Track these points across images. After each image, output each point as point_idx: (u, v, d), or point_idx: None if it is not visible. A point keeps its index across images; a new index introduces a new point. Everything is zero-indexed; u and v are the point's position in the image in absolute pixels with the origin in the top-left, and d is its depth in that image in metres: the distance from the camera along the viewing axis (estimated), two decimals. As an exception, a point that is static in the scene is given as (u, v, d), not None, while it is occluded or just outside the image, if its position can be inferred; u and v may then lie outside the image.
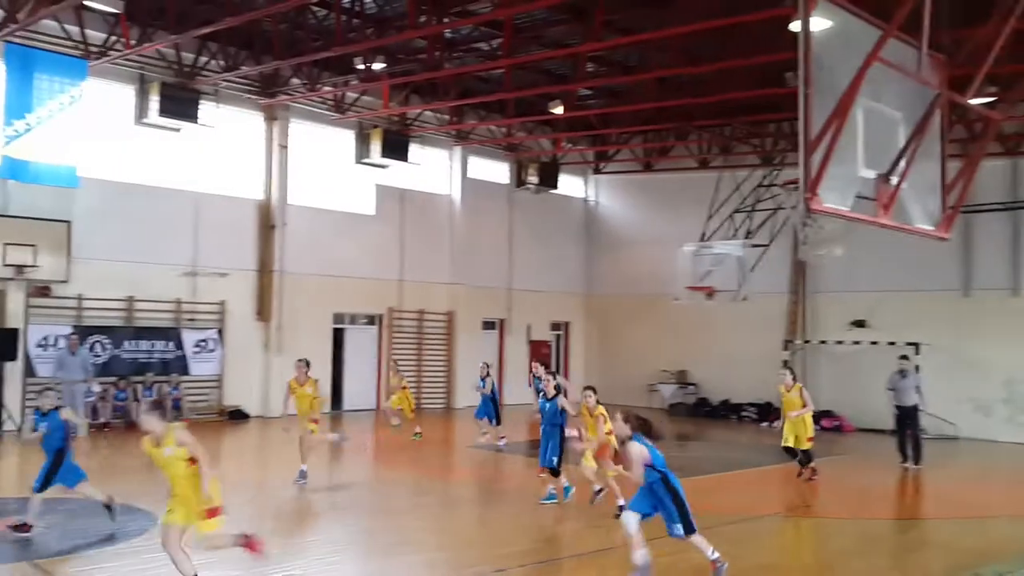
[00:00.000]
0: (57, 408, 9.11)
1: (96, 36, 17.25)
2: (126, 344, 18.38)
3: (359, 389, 22.35)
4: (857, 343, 21.57)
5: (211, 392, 19.74)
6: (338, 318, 22.31)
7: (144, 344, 18.63)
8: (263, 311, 20.60)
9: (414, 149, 22.88)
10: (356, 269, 22.09)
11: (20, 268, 16.54)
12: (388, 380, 17.79)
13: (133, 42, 16.85)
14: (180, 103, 18.30)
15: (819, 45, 6.64)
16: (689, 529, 7.37)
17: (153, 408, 7.02)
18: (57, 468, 9.01)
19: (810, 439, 13.18)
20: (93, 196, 17.49)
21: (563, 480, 10.94)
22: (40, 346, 17.10)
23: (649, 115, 21.91)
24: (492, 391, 16.43)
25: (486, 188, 25.35)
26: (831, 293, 22.53)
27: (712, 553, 7.41)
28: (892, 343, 19.96)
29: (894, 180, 7.52)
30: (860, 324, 21.79)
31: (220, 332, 19.77)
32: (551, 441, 10.79)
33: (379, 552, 9.06)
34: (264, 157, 20.82)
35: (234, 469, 13.64)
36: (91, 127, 17.31)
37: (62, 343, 16.89)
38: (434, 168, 24.34)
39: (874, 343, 20.98)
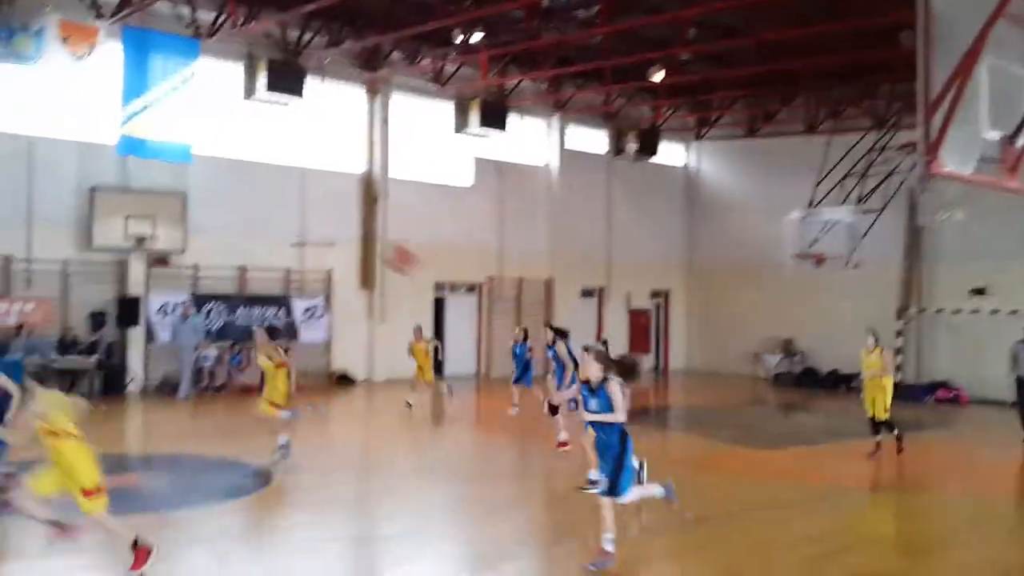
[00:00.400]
0: None
1: (206, 16, 17.86)
2: (239, 311, 19.20)
3: (460, 356, 22.72)
4: (976, 312, 20.56)
5: (320, 357, 20.41)
6: (439, 287, 22.68)
7: (256, 311, 19.39)
8: (367, 280, 21.13)
9: (512, 119, 22.90)
10: (456, 239, 22.34)
11: (140, 239, 17.44)
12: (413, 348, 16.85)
13: (241, 21, 17.38)
14: (287, 79, 18.80)
15: (938, 2, 6.31)
16: (611, 492, 6.80)
17: (34, 377, 6.45)
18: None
19: (886, 409, 12.60)
20: (206, 171, 18.23)
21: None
22: (160, 313, 18.06)
23: (752, 79, 21.22)
24: (524, 355, 15.36)
25: (584, 158, 25.15)
26: (949, 260, 21.47)
27: (610, 545, 6.77)
28: (1015, 311, 18.93)
29: (1021, 141, 7.11)
30: (979, 292, 20.73)
31: (327, 300, 20.40)
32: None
33: (478, 515, 9.22)
34: (367, 130, 21.22)
35: (340, 430, 14.12)
36: (203, 104, 17.99)
37: (180, 310, 17.81)
38: (532, 138, 24.31)
39: (995, 312, 19.96)
